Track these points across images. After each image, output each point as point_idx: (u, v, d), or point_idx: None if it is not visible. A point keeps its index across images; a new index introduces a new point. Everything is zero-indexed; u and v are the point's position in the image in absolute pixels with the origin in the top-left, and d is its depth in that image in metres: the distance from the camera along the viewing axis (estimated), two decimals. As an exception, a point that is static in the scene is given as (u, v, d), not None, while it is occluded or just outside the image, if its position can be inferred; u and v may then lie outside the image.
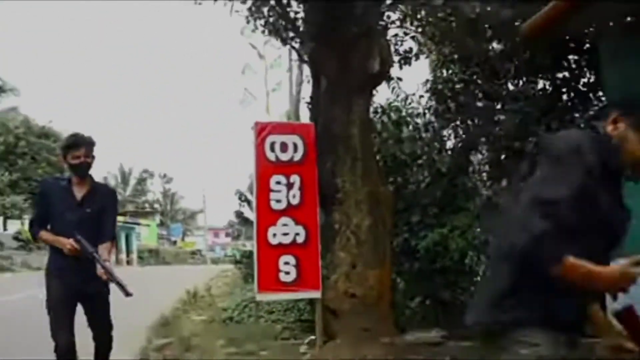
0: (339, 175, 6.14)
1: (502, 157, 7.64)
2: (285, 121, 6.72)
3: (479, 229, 7.23)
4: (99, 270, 4.09)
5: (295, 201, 5.78)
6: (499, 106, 8.64)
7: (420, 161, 7.81)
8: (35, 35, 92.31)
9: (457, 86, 8.66)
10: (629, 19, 4.88)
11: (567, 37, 7.32)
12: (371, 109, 6.76)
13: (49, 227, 4.40)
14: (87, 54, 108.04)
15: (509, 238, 1.95)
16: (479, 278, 7.60)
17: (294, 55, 12.50)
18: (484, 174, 8.38)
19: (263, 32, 7.47)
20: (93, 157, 4.39)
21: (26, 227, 28.02)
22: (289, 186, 5.78)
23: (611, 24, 4.99)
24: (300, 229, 5.77)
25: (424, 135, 8.02)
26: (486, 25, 7.12)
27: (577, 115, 8.71)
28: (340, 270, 6.13)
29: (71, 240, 4.16)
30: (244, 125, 63.73)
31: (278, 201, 5.76)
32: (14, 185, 34.89)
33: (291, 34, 6.78)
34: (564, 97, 8.63)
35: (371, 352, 5.53)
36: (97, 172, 4.81)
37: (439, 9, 6.77)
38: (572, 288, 1.95)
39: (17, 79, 75.05)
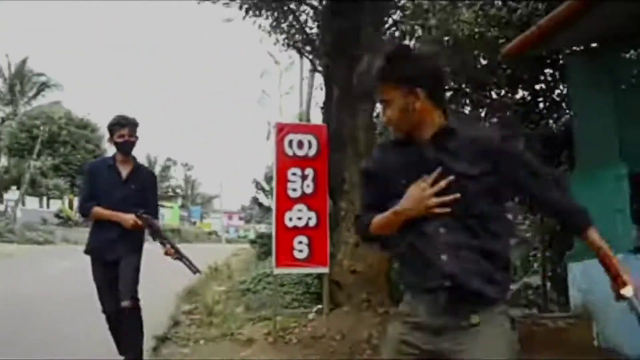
0: (346, 170, 6.30)
1: None
2: (301, 122, 6.87)
3: None
4: (169, 249, 4.10)
5: (308, 190, 5.89)
6: (483, 113, 8.81)
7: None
8: (75, 33, 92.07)
9: (448, 94, 8.82)
10: (593, 44, 5.06)
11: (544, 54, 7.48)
12: (374, 113, 6.93)
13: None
14: (120, 51, 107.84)
15: None
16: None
17: (305, 63, 12.61)
18: None
19: (282, 44, 7.64)
20: (137, 137, 4.31)
21: (66, 206, 28.49)
22: (304, 177, 5.88)
23: (580, 47, 5.16)
24: (312, 214, 5.88)
25: None
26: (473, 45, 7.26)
27: (551, 121, 8.88)
28: (345, 249, 6.30)
29: (133, 216, 4.08)
30: (258, 121, 63.72)
31: (294, 190, 5.86)
32: (56, 169, 35.06)
33: (307, 48, 6.96)
34: (540, 105, 8.79)
35: (370, 319, 5.74)
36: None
37: (433, 29, 6.94)
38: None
39: (60, 76, 75.08)
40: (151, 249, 4.59)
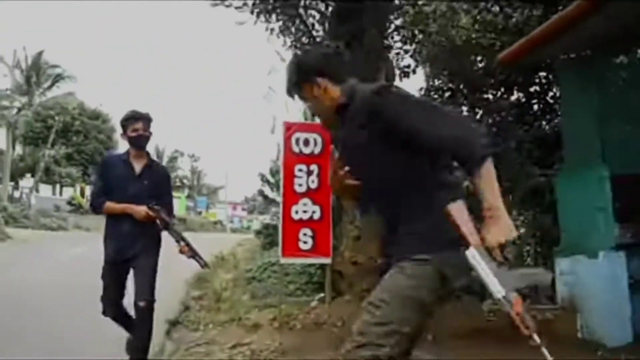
0: None
1: None
2: (307, 121, 7.03)
3: None
4: (183, 247, 3.91)
5: (313, 185, 6.03)
6: (480, 112, 8.94)
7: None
8: (88, 27, 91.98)
9: (447, 94, 8.96)
10: (586, 52, 5.21)
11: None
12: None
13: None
14: (131, 45, 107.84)
15: None
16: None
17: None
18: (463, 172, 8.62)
19: (290, 46, 7.80)
20: (150, 132, 4.13)
21: (78, 193, 28.68)
22: (309, 173, 6.02)
23: (569, 55, 5.32)
24: (316, 208, 6.03)
25: None
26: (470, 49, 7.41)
27: (544, 123, 9.02)
28: (347, 241, 6.46)
29: (145, 208, 3.91)
30: (263, 116, 63.76)
31: (300, 185, 6.02)
32: (69, 158, 35.38)
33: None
34: (535, 107, 8.92)
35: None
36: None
37: (433, 35, 7.09)
38: None
39: (74, 68, 75.16)
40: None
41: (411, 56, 8.04)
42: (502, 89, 8.71)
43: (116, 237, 4.03)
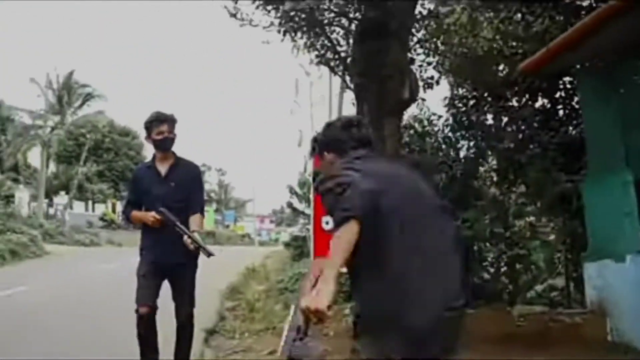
0: None
1: (505, 166, 7.93)
2: None
3: (486, 221, 7.59)
4: (186, 240, 3.73)
5: None
6: (505, 120, 9.00)
7: (439, 168, 8.10)
8: (116, 44, 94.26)
9: (471, 102, 9.05)
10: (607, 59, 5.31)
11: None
12: (400, 125, 7.20)
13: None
14: (159, 61, 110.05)
15: None
16: (485, 262, 8.04)
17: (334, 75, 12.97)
18: (490, 179, 8.70)
19: (316, 62, 8.04)
20: (175, 134, 4.04)
21: (110, 209, 29.46)
22: None
23: (588, 63, 5.44)
24: None
25: (443, 147, 8.36)
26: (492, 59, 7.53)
27: (570, 128, 9.02)
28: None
29: (153, 213, 3.84)
30: (289, 129, 64.33)
31: None
32: (100, 175, 36.39)
33: (340, 67, 7.36)
34: (560, 113, 8.93)
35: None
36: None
37: (456, 46, 7.25)
38: None
39: (104, 86, 77.00)
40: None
41: (434, 67, 8.17)
42: (527, 96, 8.76)
43: (152, 244, 3.98)
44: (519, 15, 7.66)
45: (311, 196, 6.48)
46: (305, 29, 6.85)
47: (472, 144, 8.46)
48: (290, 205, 14.19)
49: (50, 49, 70.51)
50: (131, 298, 3.99)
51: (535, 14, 7.36)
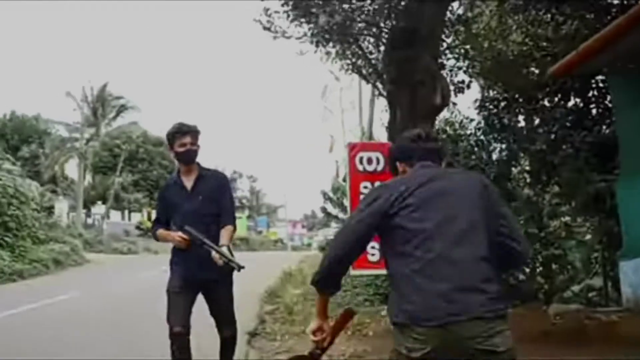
0: None
1: (538, 167, 8.03)
2: (369, 141, 7.45)
3: (520, 222, 7.67)
4: (214, 255, 3.56)
5: None
6: (537, 121, 9.05)
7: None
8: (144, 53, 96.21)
9: (502, 104, 9.15)
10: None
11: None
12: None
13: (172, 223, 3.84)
14: (187, 70, 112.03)
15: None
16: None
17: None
18: (523, 180, 8.78)
19: (348, 70, 8.31)
20: (198, 146, 3.88)
21: (145, 218, 30.15)
22: None
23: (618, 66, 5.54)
24: None
25: (475, 150, 8.46)
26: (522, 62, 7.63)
27: (604, 127, 9.03)
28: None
29: (179, 233, 3.68)
30: (319, 134, 64.59)
31: None
32: (135, 185, 37.26)
33: (372, 75, 7.61)
34: (593, 112, 8.95)
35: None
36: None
37: (486, 50, 7.40)
38: None
39: (137, 97, 78.54)
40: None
41: (464, 72, 8.32)
42: (559, 96, 8.81)
43: (182, 259, 3.82)
44: (549, 15, 7.75)
45: (344, 201, 6.70)
46: (336, 38, 7.11)
47: (504, 146, 8.55)
48: (324, 210, 14.45)
49: (85, 61, 72.28)
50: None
51: (565, 14, 7.44)
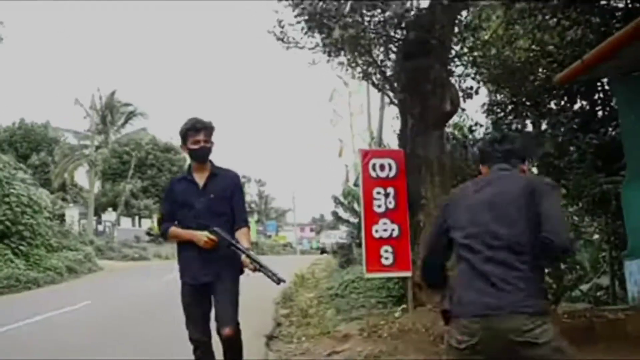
0: (422, 187, 6.95)
1: (546, 171, 8.04)
2: (381, 148, 7.67)
3: None
4: (244, 260, 3.50)
5: (391, 206, 6.58)
6: (544, 125, 9.22)
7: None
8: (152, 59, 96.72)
9: (509, 108, 9.32)
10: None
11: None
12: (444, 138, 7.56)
13: (176, 222, 3.78)
14: (196, 75, 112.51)
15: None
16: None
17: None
18: None
19: (358, 78, 8.54)
20: (212, 143, 3.78)
21: (155, 224, 30.52)
22: (386, 195, 6.57)
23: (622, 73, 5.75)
24: (395, 227, 6.57)
25: None
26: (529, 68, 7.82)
27: (610, 128, 9.20)
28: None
29: (206, 233, 3.57)
30: (327, 139, 64.66)
31: (379, 206, 6.58)
32: (145, 191, 37.60)
33: (385, 84, 7.83)
34: (599, 114, 9.11)
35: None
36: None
37: (493, 58, 7.62)
38: None
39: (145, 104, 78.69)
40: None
41: (472, 78, 8.52)
42: (565, 99, 8.96)
43: (188, 261, 3.77)
44: (555, 20, 7.94)
45: (355, 206, 6.91)
46: (349, 49, 7.34)
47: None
48: (335, 214, 14.68)
49: (93, 69, 72.87)
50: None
51: (571, 19, 7.62)
